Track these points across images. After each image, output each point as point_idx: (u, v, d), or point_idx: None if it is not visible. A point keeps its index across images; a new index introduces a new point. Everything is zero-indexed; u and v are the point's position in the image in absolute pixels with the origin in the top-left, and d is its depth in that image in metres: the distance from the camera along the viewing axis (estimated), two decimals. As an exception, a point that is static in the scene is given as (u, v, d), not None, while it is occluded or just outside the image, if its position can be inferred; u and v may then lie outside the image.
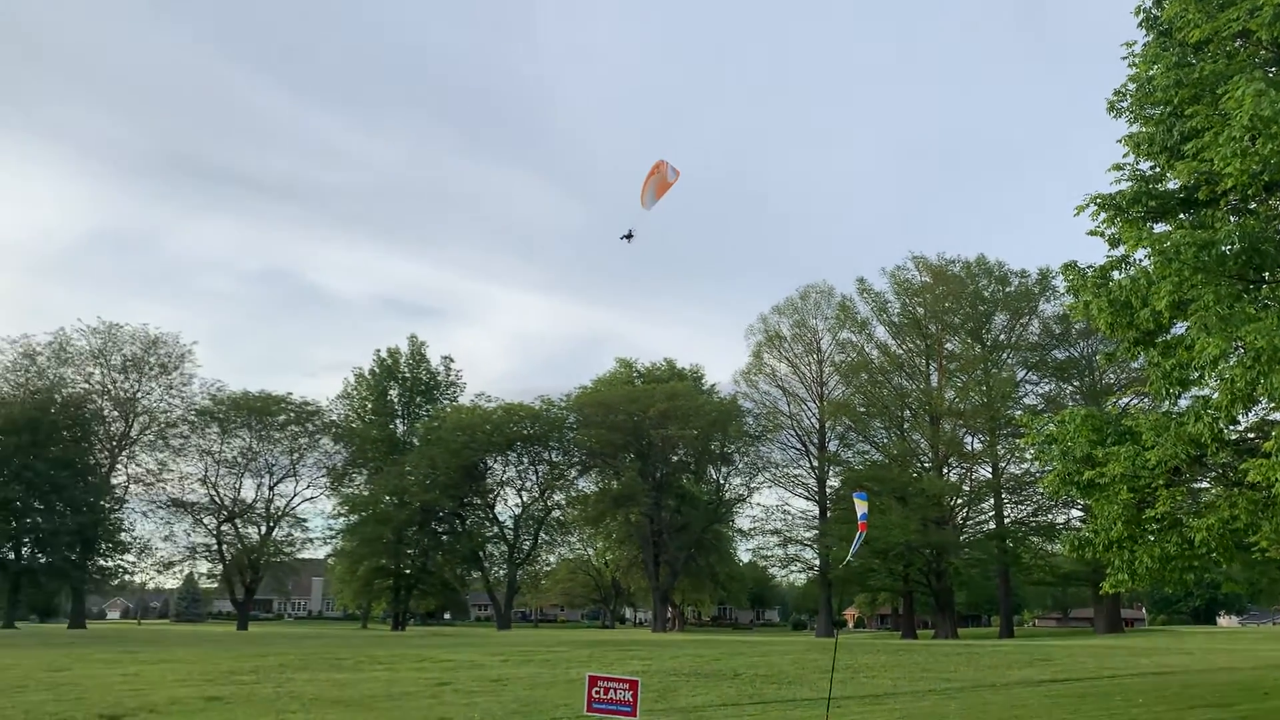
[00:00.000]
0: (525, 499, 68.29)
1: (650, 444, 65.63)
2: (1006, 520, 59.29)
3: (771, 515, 64.58)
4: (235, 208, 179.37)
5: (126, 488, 61.80)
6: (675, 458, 67.68)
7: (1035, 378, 61.12)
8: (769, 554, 66.68)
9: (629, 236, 42.17)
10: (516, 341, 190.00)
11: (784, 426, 64.59)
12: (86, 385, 60.96)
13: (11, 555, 57.52)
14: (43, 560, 58.36)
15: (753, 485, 66.52)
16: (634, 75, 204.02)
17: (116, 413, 61.63)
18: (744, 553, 72.56)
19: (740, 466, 66.99)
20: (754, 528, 66.02)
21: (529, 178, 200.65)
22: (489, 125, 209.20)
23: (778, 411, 64.65)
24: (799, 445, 64.44)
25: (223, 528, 62.99)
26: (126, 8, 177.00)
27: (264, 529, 64.12)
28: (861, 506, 14.01)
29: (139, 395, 61.97)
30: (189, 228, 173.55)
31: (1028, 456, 41.91)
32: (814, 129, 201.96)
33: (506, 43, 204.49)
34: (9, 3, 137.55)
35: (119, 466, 61.63)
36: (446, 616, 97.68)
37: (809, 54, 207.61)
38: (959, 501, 59.59)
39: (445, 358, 72.13)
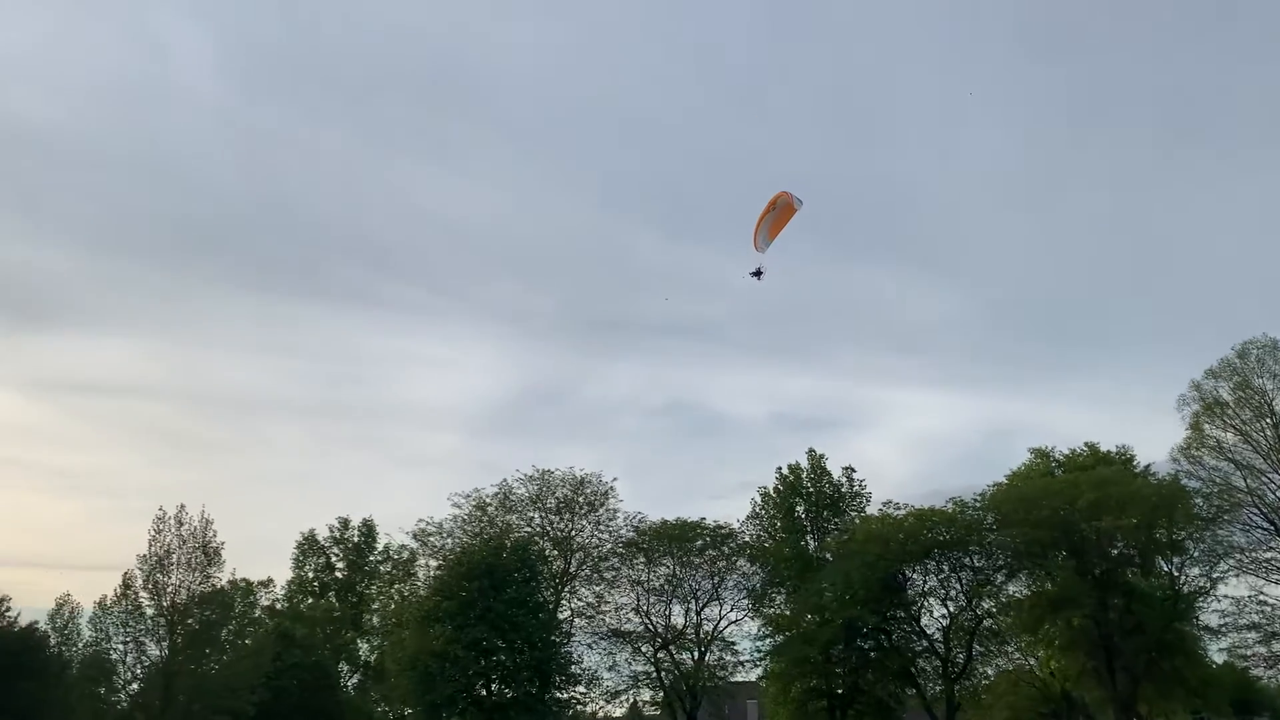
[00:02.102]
0: (952, 609, 67.69)
1: (1083, 538, 63.27)
2: None
3: (1245, 607, 59.90)
4: (636, 350, 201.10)
5: (572, 621, 68.25)
6: (1115, 551, 64.63)
7: None
8: (1248, 653, 61.53)
9: (758, 274, 42.15)
10: (916, 443, 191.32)
11: (1242, 504, 60.17)
12: (529, 529, 68.71)
13: (484, 691, 64.76)
14: (509, 695, 65.15)
15: (1214, 575, 62.05)
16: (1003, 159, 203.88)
17: (556, 551, 68.69)
18: (1217, 653, 67.26)
19: (1195, 555, 62.83)
20: (1224, 624, 61.43)
21: (900, 271, 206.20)
22: (852, 229, 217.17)
23: (1231, 488, 60.41)
24: (1267, 524, 59.70)
25: (659, 655, 67.67)
26: (534, 197, 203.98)
27: (696, 654, 68.13)
28: None
29: (573, 533, 68.94)
30: (600, 374, 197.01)
31: None
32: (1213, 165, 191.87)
33: (861, 149, 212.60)
34: (452, 210, 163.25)
35: (563, 602, 68.29)
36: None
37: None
38: None
39: (846, 468, 74.07)
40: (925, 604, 68.22)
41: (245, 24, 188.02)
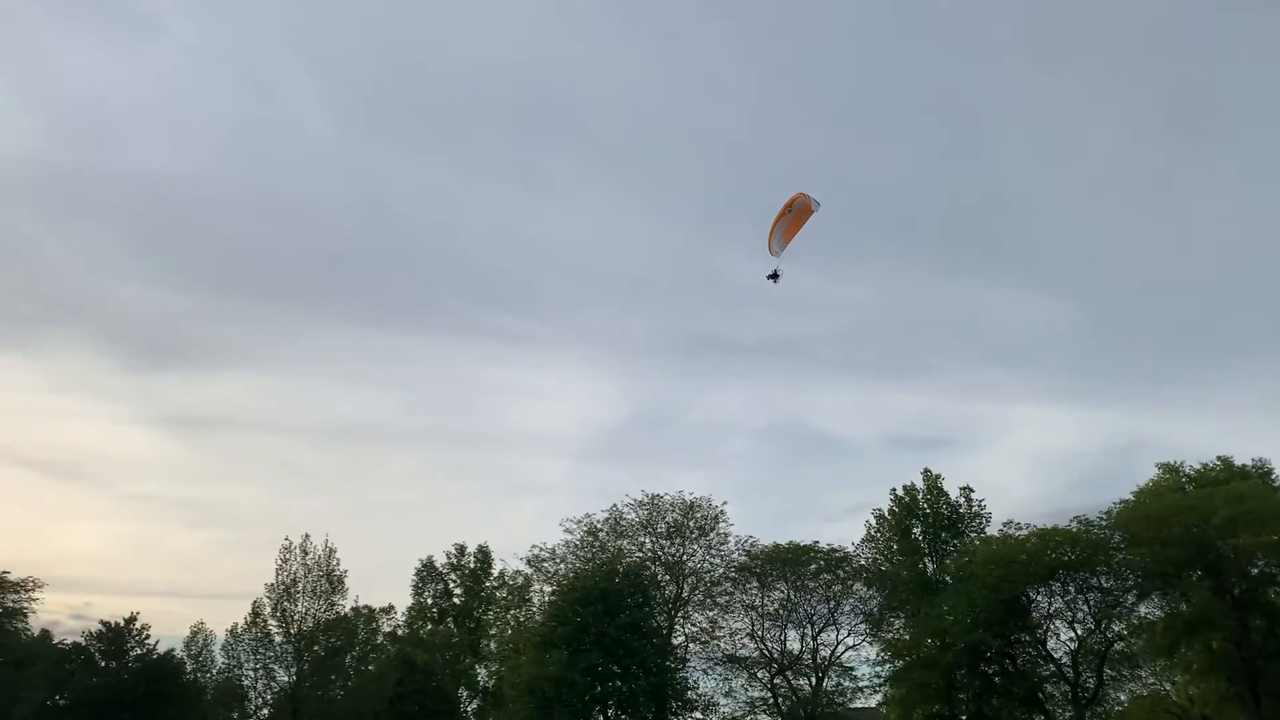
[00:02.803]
0: (1079, 631, 65.88)
1: (1219, 557, 60.82)
2: None
3: (1402, 628, 56.81)
4: (738, 370, 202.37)
5: (686, 647, 68.77)
6: (1255, 570, 61.90)
7: None
8: (1407, 677, 58.21)
9: (775, 277, 40.16)
10: (1034, 460, 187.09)
11: (1395, 519, 57.25)
12: (640, 554, 69.62)
13: (600, 717, 65.74)
14: (626, 721, 66.00)
15: (1368, 594, 59.08)
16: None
17: (668, 576, 69.38)
18: (1372, 677, 63.74)
19: (1346, 573, 59.93)
20: (1379, 645, 58.29)
21: (1007, 283, 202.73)
22: (956, 241, 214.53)
23: (1382, 501, 57.63)
24: None
25: (775, 680, 67.59)
26: (628, 219, 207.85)
27: (814, 680, 67.82)
28: None
29: (684, 558, 69.54)
30: (704, 397, 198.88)
31: None
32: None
33: (961, 159, 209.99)
34: (550, 237, 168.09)
35: (676, 627, 68.89)
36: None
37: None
38: None
39: (964, 488, 72.89)
40: (1051, 627, 66.54)
41: (349, 65, 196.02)
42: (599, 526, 69.75)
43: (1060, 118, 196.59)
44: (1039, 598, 66.08)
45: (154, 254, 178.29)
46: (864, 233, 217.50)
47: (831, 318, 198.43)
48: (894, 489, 73.61)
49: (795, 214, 35.26)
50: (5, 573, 73.36)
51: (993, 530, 70.34)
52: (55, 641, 71.37)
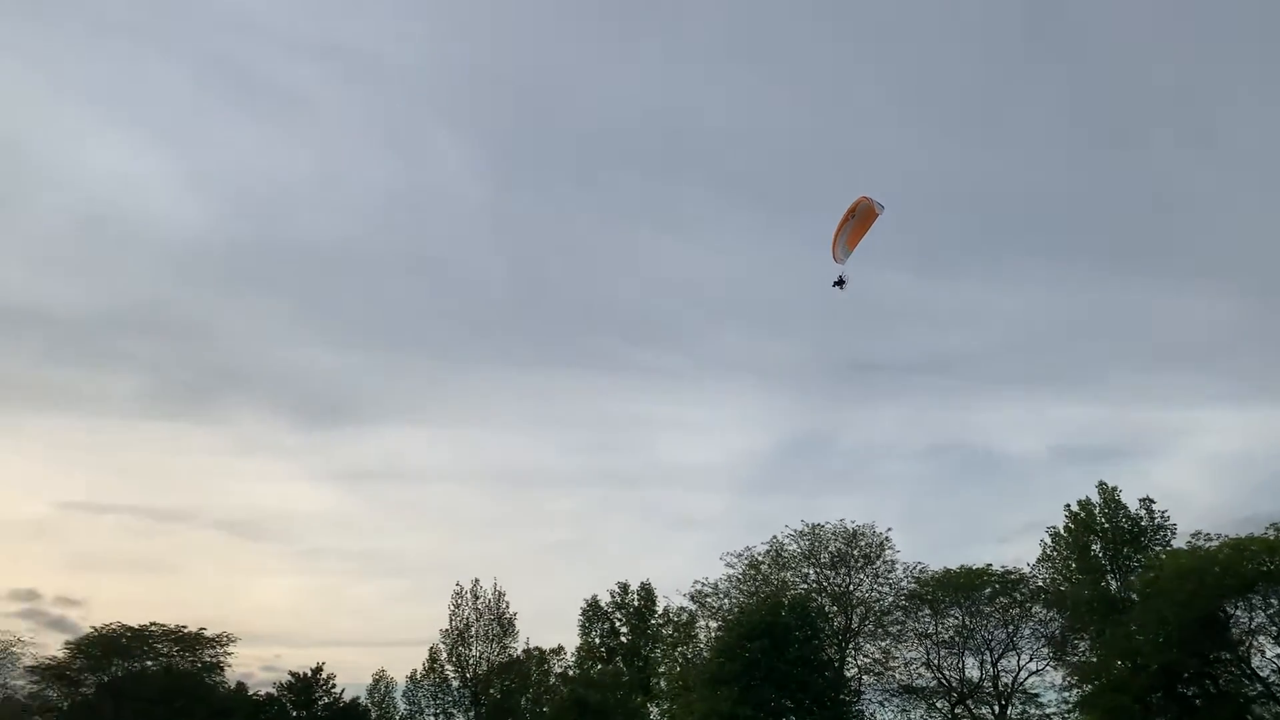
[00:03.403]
0: (1288, 647, 61.81)
1: None
2: None
3: None
4: (893, 391, 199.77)
5: (859, 679, 67.64)
6: None
7: None
8: None
9: (841, 284, 37.49)
10: (1219, 467, 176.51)
11: None
12: (805, 585, 69.07)
13: (772, 752, 65.24)
14: (800, 756, 65.25)
15: None
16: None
17: (835, 607, 68.55)
18: None
19: None
20: None
21: (1172, 282, 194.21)
22: (1117, 241, 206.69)
23: None
24: None
25: (956, 710, 65.72)
26: (769, 249, 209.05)
27: (997, 708, 65.63)
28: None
29: (851, 588, 68.61)
30: (859, 420, 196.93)
31: None
32: None
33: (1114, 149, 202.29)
34: (692, 272, 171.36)
35: (848, 659, 67.91)
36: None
37: None
38: None
39: (1144, 500, 69.40)
40: (1254, 643, 62.57)
41: (490, 126, 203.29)
42: (760, 559, 69.66)
43: (1218, 105, 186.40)
44: (1238, 612, 62.27)
45: (320, 318, 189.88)
46: (1014, 240, 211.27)
47: (986, 330, 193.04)
48: (1068, 504, 70.91)
49: (860, 218, 34.67)
50: (202, 629, 78.33)
51: (1179, 542, 66.86)
52: (250, 693, 75.56)
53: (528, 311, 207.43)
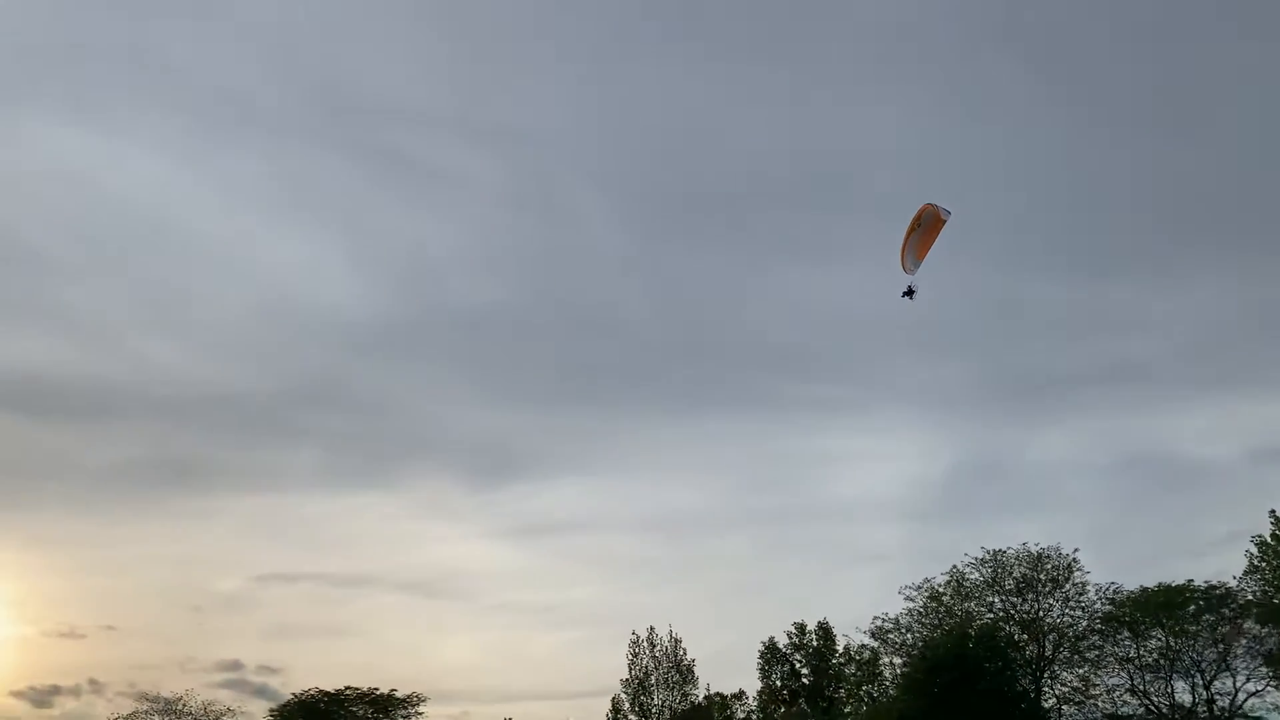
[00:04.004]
0: None
1: None
2: None
3: None
4: (1068, 404, 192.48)
5: (1059, 710, 64.65)
6: None
7: None
8: None
9: (910, 294, 34.84)
10: None
11: None
12: (991, 614, 66.73)
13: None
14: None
15: None
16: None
17: (1025, 635, 65.90)
18: None
19: None
20: None
21: None
22: None
23: None
24: None
25: (1169, 737, 62.00)
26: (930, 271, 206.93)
27: (1214, 734, 61.58)
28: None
29: (1040, 614, 65.86)
30: (1034, 438, 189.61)
31: None
32: None
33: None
34: (840, 301, 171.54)
35: (1044, 689, 65.08)
36: None
37: None
38: None
39: (1360, 499, 64.79)
40: None
41: (632, 179, 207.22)
42: (941, 590, 67.68)
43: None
44: None
45: (481, 382, 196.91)
46: (1185, 236, 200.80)
47: (1164, 332, 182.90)
48: (1274, 510, 66.21)
49: (926, 227, 33.86)
50: (393, 690, 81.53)
51: (1407, 542, 61.57)
52: (442, 752, 78.15)
53: (682, 357, 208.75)
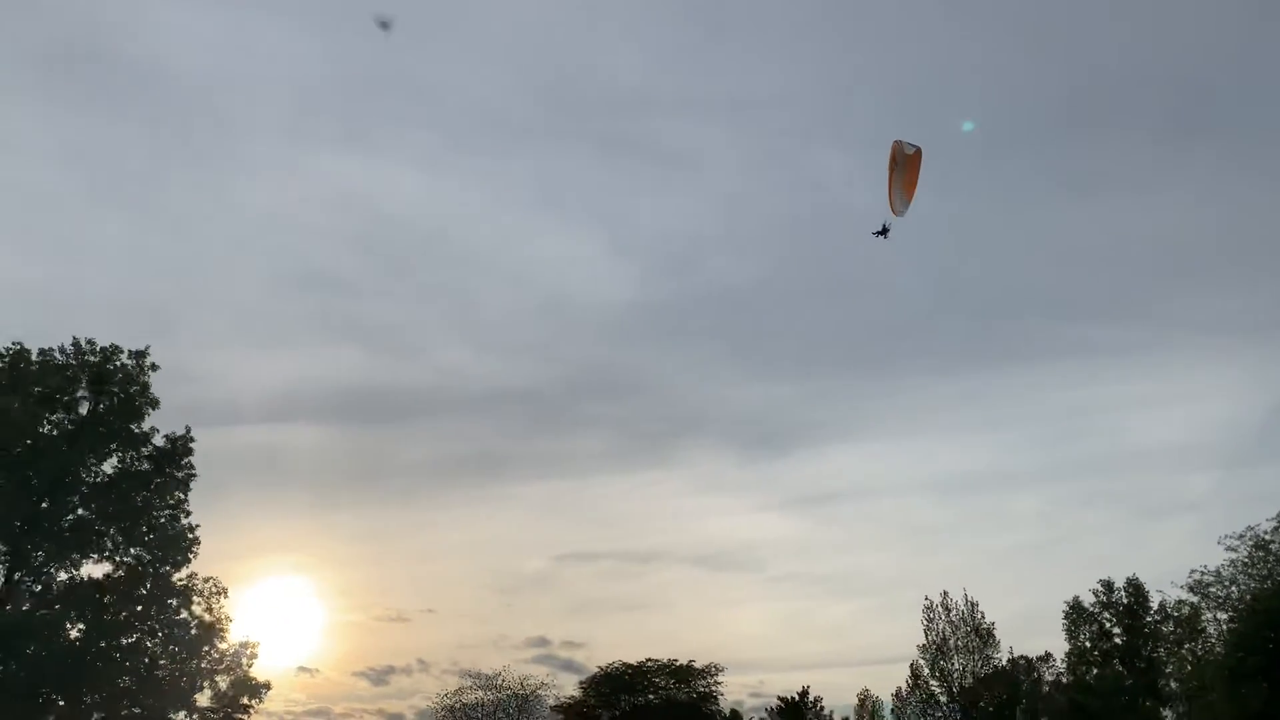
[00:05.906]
0: None
1: None
2: None
3: None
4: None
5: None
6: None
7: None
8: None
9: (884, 232, 30.85)
10: None
11: None
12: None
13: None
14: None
15: None
16: None
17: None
18: None
19: None
20: None
21: None
22: None
23: None
24: None
25: None
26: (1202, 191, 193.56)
27: None
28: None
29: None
30: None
31: None
32: None
33: None
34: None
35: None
36: None
37: None
38: None
39: None
40: None
41: (867, 128, 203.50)
42: (1268, 538, 63.08)
43: None
44: None
45: (747, 356, 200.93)
46: None
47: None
48: None
49: (907, 164, 31.67)
50: (691, 661, 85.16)
51: None
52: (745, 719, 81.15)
53: (948, 314, 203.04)
